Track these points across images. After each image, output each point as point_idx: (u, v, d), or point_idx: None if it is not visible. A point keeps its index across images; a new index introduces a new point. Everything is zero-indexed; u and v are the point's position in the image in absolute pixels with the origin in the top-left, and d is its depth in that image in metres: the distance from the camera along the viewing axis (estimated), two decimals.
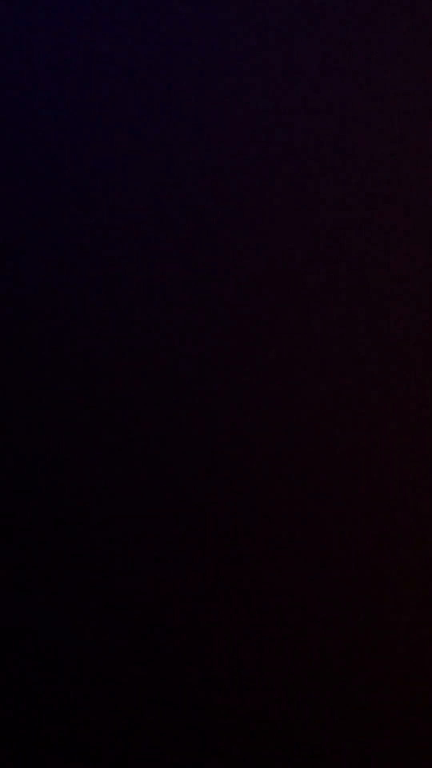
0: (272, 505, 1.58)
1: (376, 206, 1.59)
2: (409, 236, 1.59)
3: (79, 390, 1.62)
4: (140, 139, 1.63)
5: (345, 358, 1.59)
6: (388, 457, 1.57)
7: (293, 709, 1.57)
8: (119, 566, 1.60)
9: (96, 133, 1.63)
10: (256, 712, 1.57)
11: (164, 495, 1.60)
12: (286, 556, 1.58)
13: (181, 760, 1.58)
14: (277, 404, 1.59)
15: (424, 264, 1.58)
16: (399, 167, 1.59)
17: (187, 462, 1.60)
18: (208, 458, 1.59)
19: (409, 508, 1.57)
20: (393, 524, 1.57)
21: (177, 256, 1.61)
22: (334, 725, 1.56)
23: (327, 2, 1.60)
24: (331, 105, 1.60)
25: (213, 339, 1.60)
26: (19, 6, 1.65)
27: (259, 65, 1.61)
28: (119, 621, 1.59)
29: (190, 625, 1.59)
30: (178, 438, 1.60)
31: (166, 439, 1.60)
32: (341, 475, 1.58)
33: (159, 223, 1.62)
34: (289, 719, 1.57)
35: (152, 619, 1.59)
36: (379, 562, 1.57)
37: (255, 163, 1.61)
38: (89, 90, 1.64)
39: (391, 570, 1.56)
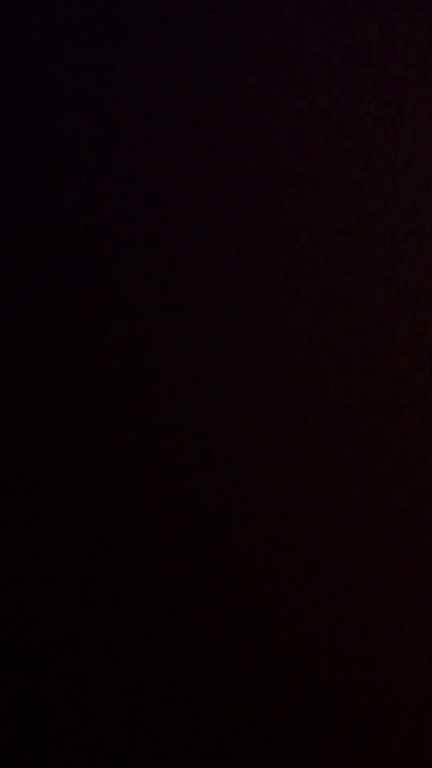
0: (272, 507, 1.59)
1: (377, 207, 1.59)
2: (409, 239, 1.59)
3: (79, 393, 1.62)
4: (141, 140, 1.63)
5: (346, 360, 1.59)
6: (389, 459, 1.58)
7: (292, 711, 1.58)
8: (119, 567, 1.60)
9: (96, 133, 1.64)
10: (255, 716, 1.58)
11: (164, 496, 1.60)
12: (285, 559, 1.58)
13: (181, 761, 1.59)
14: (277, 406, 1.59)
15: (424, 265, 1.58)
16: (399, 167, 1.59)
17: (186, 468, 1.60)
18: (208, 460, 1.60)
19: (409, 509, 1.57)
20: (393, 525, 1.57)
21: (176, 258, 1.61)
22: (333, 727, 1.57)
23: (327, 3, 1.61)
24: (332, 106, 1.60)
25: (214, 341, 1.60)
26: (20, 6, 1.66)
27: (260, 66, 1.61)
28: (118, 624, 1.60)
29: (189, 627, 1.59)
30: (178, 442, 1.60)
31: (165, 442, 1.61)
32: (343, 480, 1.58)
33: (159, 224, 1.62)
34: (287, 721, 1.57)
35: (152, 622, 1.60)
36: (380, 563, 1.57)
37: (255, 165, 1.61)
38: (90, 91, 1.64)
39: (391, 571, 1.57)
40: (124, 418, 1.61)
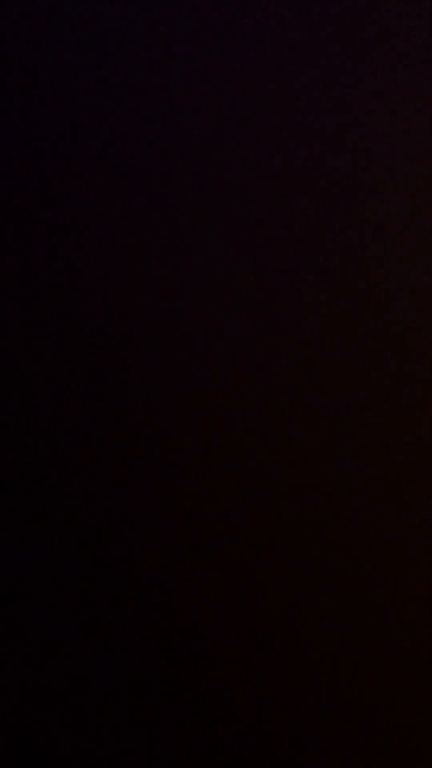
0: (272, 510, 1.59)
1: (377, 210, 1.59)
2: (409, 242, 1.59)
3: (79, 397, 1.62)
4: (140, 141, 1.63)
5: (344, 361, 1.59)
6: (390, 464, 1.58)
7: (292, 714, 1.58)
8: (119, 571, 1.60)
9: (96, 135, 1.64)
10: (256, 722, 1.58)
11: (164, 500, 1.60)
12: (285, 561, 1.58)
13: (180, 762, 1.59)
14: (276, 408, 1.59)
15: (424, 266, 1.58)
16: (399, 169, 1.59)
17: (186, 472, 1.60)
18: (208, 463, 1.60)
19: (409, 511, 1.57)
20: (393, 527, 1.57)
21: (176, 261, 1.61)
22: (332, 727, 1.57)
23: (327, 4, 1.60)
24: (332, 108, 1.60)
25: (213, 344, 1.60)
26: (20, 6, 1.65)
27: (259, 67, 1.61)
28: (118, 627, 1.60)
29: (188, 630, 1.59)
30: (178, 447, 1.60)
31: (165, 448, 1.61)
32: (343, 483, 1.58)
33: (158, 226, 1.62)
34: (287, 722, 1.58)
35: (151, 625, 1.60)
36: (379, 567, 1.57)
37: (255, 167, 1.61)
38: (90, 91, 1.64)
39: (390, 572, 1.57)
40: (123, 414, 1.61)
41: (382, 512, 1.58)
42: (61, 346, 1.63)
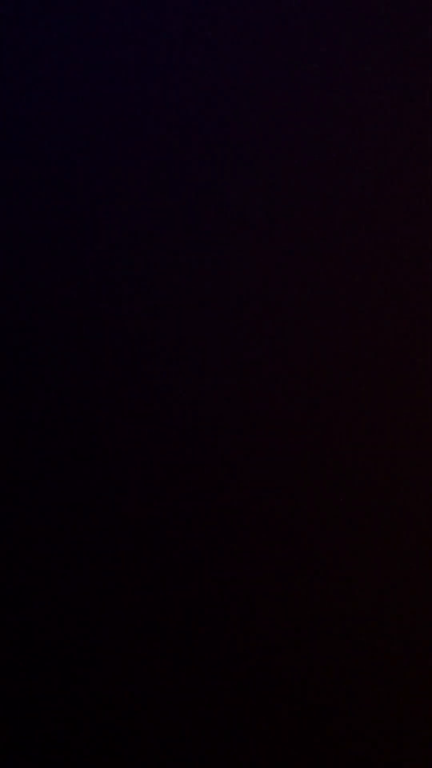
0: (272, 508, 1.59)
1: (376, 213, 1.59)
2: (409, 246, 1.59)
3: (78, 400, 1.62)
4: (140, 139, 1.63)
5: (345, 365, 1.59)
6: (389, 467, 1.58)
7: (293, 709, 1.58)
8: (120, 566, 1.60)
9: (95, 134, 1.63)
10: (257, 714, 1.58)
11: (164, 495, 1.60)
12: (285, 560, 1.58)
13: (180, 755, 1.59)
14: (276, 410, 1.59)
15: (423, 270, 1.58)
16: (398, 172, 1.59)
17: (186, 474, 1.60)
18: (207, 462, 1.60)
19: (409, 512, 1.57)
20: (393, 528, 1.57)
21: (176, 263, 1.61)
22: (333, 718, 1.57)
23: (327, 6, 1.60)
24: (331, 109, 1.60)
25: (212, 345, 1.60)
26: (20, 7, 1.65)
27: (258, 68, 1.61)
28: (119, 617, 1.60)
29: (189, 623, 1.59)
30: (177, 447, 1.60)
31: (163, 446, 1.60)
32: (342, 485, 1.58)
33: (159, 227, 1.62)
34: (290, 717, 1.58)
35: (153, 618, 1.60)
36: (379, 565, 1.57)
37: (255, 169, 1.61)
38: (89, 92, 1.63)
39: (390, 573, 1.57)
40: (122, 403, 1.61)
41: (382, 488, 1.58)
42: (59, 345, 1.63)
